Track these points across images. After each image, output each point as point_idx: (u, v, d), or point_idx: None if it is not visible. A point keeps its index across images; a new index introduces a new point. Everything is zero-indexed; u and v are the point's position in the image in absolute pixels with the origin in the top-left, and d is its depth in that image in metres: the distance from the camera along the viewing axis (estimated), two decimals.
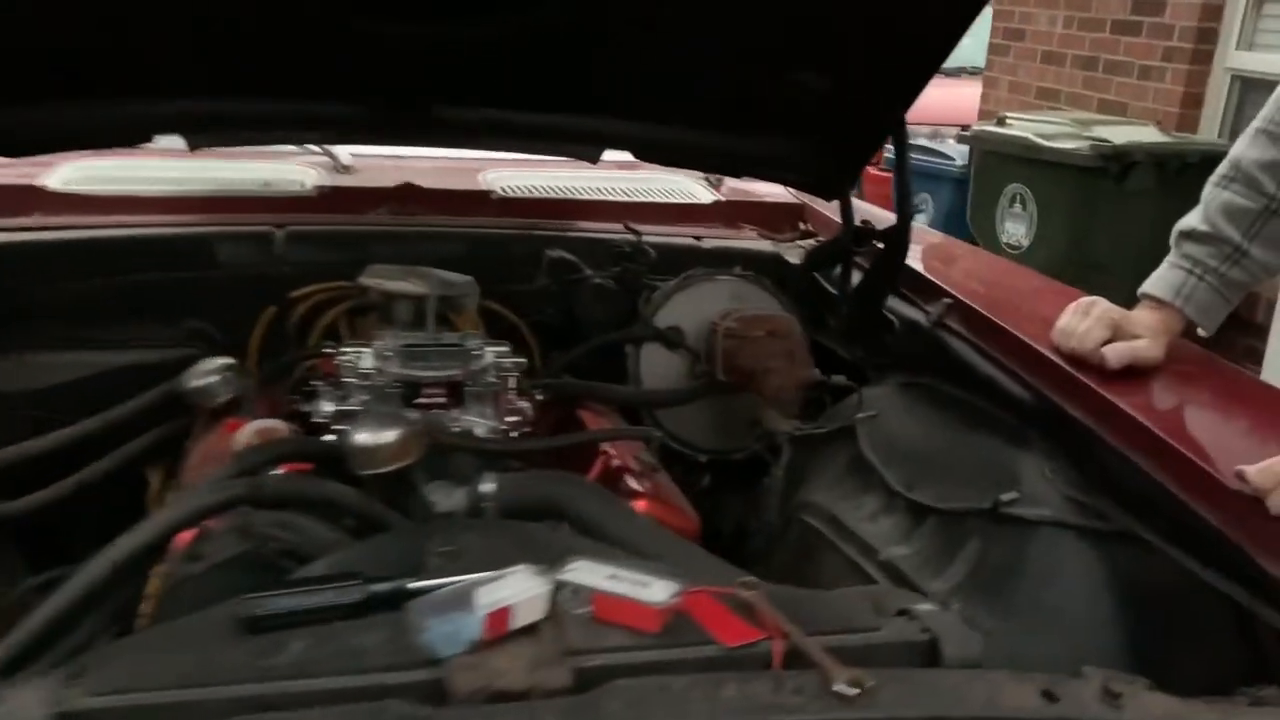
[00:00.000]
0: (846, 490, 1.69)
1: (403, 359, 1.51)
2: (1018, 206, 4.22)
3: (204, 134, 1.79)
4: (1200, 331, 1.46)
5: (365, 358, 1.52)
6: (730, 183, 2.38)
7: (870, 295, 1.85)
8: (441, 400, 1.50)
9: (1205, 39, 4.55)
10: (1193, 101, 4.62)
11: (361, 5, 1.46)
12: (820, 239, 2.18)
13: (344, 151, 2.16)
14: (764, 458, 1.78)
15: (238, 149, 2.11)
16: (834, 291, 1.99)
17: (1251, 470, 1.11)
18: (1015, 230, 4.24)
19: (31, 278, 1.79)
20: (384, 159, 2.22)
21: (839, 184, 1.94)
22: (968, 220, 4.60)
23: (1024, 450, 1.45)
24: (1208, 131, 4.56)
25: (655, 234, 2.08)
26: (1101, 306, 1.43)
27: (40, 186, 1.92)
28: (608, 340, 1.90)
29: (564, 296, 1.94)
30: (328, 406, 1.46)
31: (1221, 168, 1.44)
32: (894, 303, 1.83)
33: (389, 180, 2.06)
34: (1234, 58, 4.51)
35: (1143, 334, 1.42)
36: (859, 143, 1.85)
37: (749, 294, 1.94)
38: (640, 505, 1.40)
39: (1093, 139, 3.97)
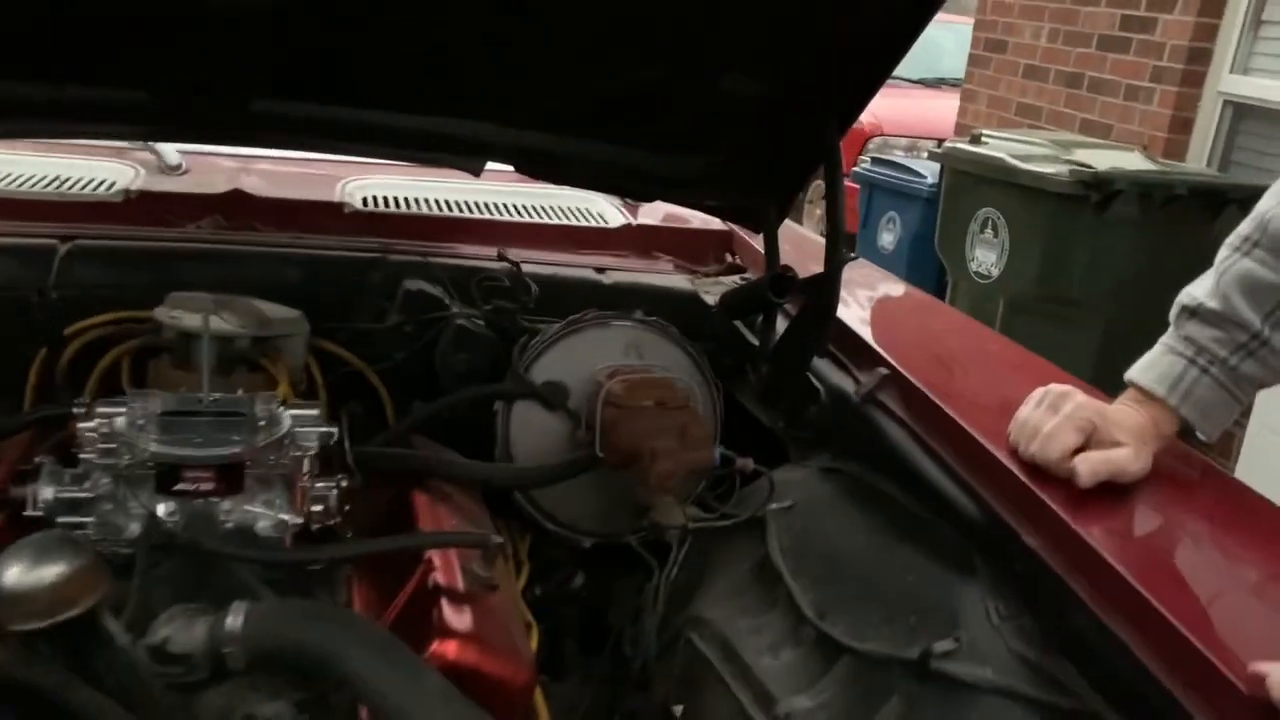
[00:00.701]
0: (748, 603, 1.35)
1: (161, 429, 1.15)
2: (989, 232, 3.89)
3: None
4: (1200, 435, 1.12)
5: (117, 423, 1.16)
6: (650, 205, 2.03)
7: (792, 355, 1.50)
8: (209, 487, 1.14)
9: (1197, 59, 4.24)
10: (1181, 126, 4.30)
11: None
12: (747, 276, 1.84)
13: (172, 149, 1.78)
14: (647, 557, 1.43)
15: (36, 141, 1.74)
16: (755, 343, 1.65)
17: (1276, 675, 0.77)
18: (985, 258, 3.91)
19: None
20: (223, 158, 1.85)
21: (765, 214, 1.60)
22: (935, 245, 4.27)
23: (967, 580, 1.13)
24: (1196, 158, 4.25)
25: (547, 264, 1.73)
26: (1074, 402, 1.10)
27: None
28: (466, 396, 1.54)
29: (420, 339, 1.58)
30: (45, 493, 1.10)
31: (1243, 227, 1.10)
32: (822, 365, 1.49)
33: (222, 185, 1.69)
34: (1227, 81, 4.20)
35: (1125, 439, 1.08)
36: (788, 166, 1.51)
37: (650, 345, 1.59)
38: (447, 650, 1.05)
39: (1073, 163, 3.65)
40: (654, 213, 2.01)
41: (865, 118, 6.86)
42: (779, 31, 1.30)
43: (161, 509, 1.13)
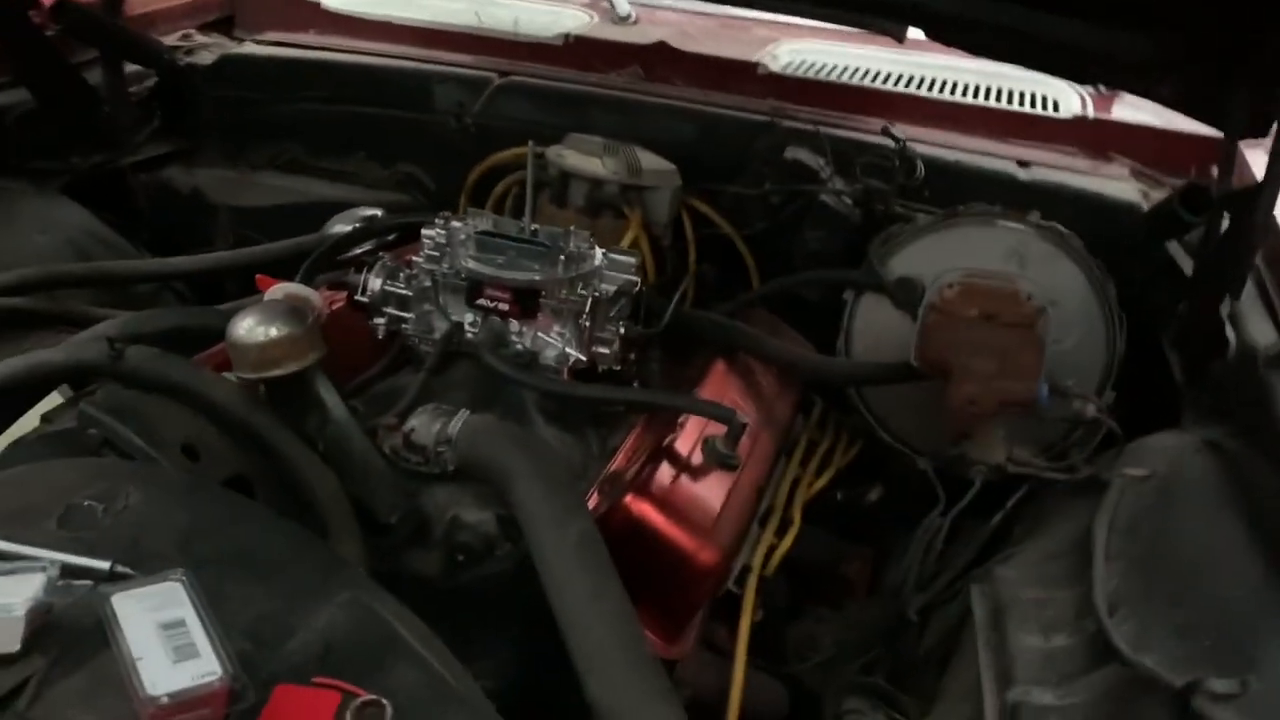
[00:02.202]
0: (1047, 573, 1.13)
1: (476, 246, 1.23)
2: None
3: None
4: None
5: (447, 235, 1.26)
6: (1129, 98, 1.67)
7: (1204, 293, 1.18)
8: (505, 308, 1.20)
9: None
10: None
11: None
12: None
13: (624, 1, 1.85)
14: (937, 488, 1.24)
15: None
16: (1188, 275, 1.32)
17: None
18: None
19: (277, 93, 1.78)
20: (671, 13, 1.88)
21: (1229, 112, 1.24)
22: None
23: None
24: None
25: (957, 148, 1.53)
26: None
27: (317, 3, 1.88)
28: (810, 278, 1.44)
29: (783, 210, 1.50)
30: (374, 283, 1.24)
31: None
32: (1247, 310, 1.15)
33: (658, 37, 1.72)
34: None
35: None
36: (1261, 52, 1.15)
37: (1038, 255, 1.35)
38: (635, 505, 1.01)
39: None
40: (1136, 109, 1.66)
41: None
42: None
43: (465, 318, 1.22)
